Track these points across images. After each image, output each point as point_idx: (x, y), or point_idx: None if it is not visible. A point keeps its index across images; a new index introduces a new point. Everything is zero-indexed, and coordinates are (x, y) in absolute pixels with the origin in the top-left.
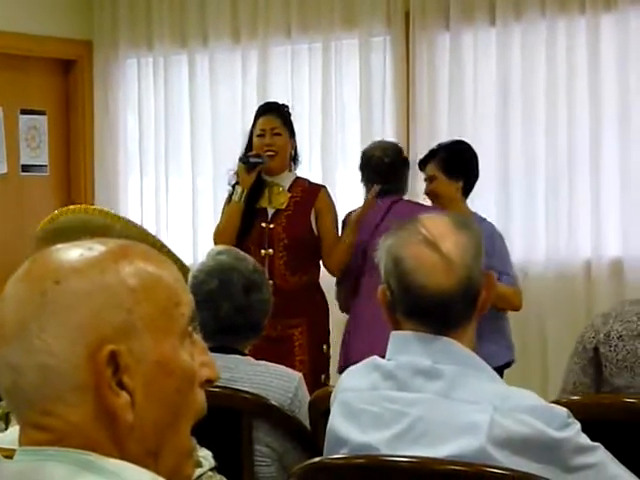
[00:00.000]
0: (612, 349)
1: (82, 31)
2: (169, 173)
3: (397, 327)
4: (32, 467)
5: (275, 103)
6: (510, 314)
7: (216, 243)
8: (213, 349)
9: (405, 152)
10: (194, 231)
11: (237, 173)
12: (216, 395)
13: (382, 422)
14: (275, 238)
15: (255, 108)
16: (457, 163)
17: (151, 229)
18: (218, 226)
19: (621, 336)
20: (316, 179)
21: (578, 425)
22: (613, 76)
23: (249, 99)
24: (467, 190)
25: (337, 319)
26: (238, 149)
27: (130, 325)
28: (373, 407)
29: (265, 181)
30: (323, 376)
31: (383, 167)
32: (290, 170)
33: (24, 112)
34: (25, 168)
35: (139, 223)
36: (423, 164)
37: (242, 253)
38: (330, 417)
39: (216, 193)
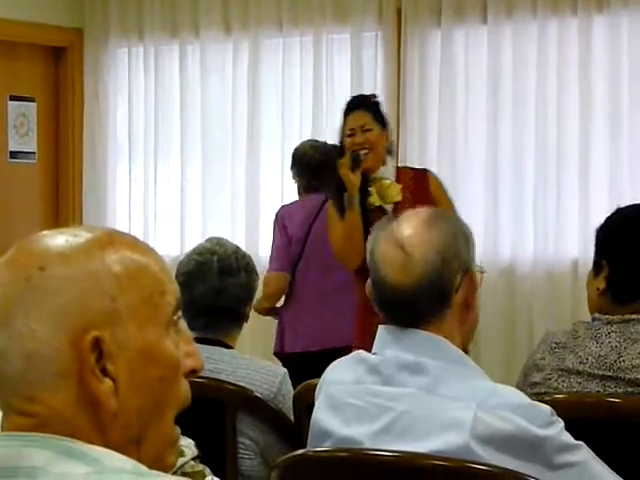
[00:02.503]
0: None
1: (73, 19)
2: (158, 163)
3: (384, 321)
4: (12, 452)
5: (361, 97)
6: (497, 312)
7: (348, 257)
8: (197, 340)
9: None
10: (182, 221)
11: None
12: (201, 385)
13: (366, 416)
14: None
15: (244, 99)
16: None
17: (139, 219)
18: (340, 240)
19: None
20: None
21: (562, 423)
22: (604, 77)
23: (239, 91)
24: None
25: None
26: (228, 139)
27: (114, 312)
28: (357, 401)
29: (369, 178)
30: None
31: (314, 164)
32: (384, 163)
33: (13, 98)
34: (13, 155)
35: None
36: None
37: (227, 240)
38: (314, 410)
39: (205, 184)
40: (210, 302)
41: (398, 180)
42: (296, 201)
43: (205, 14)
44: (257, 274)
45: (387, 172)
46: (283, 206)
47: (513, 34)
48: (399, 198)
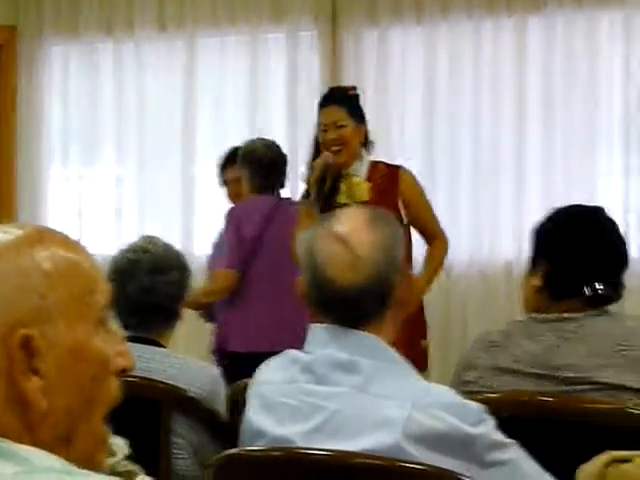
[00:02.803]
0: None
1: (6, 16)
2: (93, 161)
3: (316, 319)
4: None
5: (336, 91)
6: (432, 312)
7: None
8: (129, 339)
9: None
10: (117, 220)
11: (307, 181)
12: (134, 385)
13: (299, 415)
14: None
15: (180, 98)
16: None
17: (73, 217)
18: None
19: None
20: None
21: (493, 421)
22: (538, 77)
23: (175, 89)
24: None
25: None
26: (163, 138)
27: (44, 310)
28: (291, 400)
29: (341, 174)
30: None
31: (266, 162)
32: (361, 158)
33: None
34: None
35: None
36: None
37: (160, 239)
38: (247, 410)
39: (140, 183)
40: (141, 300)
41: (370, 177)
42: (250, 201)
43: (140, 12)
44: (190, 272)
45: (360, 169)
46: (237, 205)
47: (448, 34)
48: (366, 197)
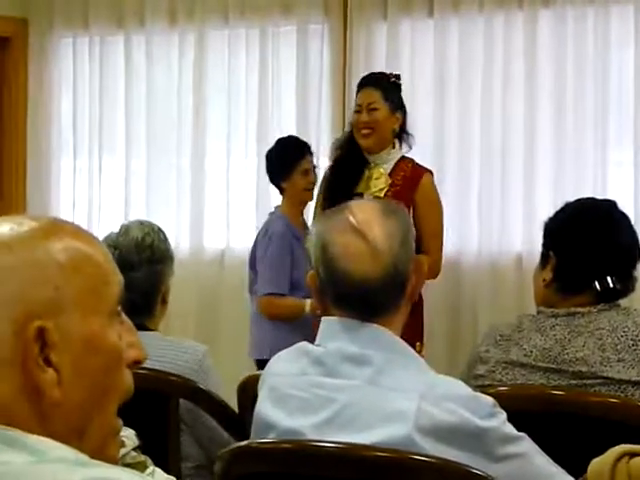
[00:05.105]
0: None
1: (17, 8)
2: (103, 153)
3: (328, 312)
4: None
5: (375, 74)
6: (442, 305)
7: None
8: None
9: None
10: (126, 212)
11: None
12: (144, 377)
13: (310, 408)
14: None
15: (190, 91)
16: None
17: (83, 209)
18: None
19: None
20: (251, 167)
21: (504, 415)
22: (549, 71)
23: (185, 82)
24: None
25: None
26: (173, 131)
27: (58, 301)
28: (301, 392)
29: (367, 161)
30: None
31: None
32: (394, 147)
33: None
34: None
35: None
36: None
37: (138, 225)
38: (258, 402)
39: (149, 175)
40: None
41: (393, 173)
42: None
43: (151, 4)
44: (169, 260)
45: (389, 159)
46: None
47: (459, 28)
48: (380, 194)
